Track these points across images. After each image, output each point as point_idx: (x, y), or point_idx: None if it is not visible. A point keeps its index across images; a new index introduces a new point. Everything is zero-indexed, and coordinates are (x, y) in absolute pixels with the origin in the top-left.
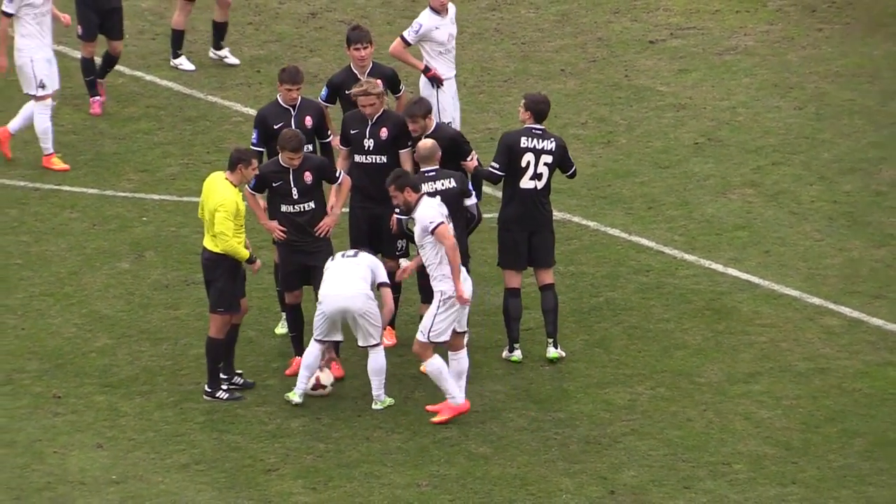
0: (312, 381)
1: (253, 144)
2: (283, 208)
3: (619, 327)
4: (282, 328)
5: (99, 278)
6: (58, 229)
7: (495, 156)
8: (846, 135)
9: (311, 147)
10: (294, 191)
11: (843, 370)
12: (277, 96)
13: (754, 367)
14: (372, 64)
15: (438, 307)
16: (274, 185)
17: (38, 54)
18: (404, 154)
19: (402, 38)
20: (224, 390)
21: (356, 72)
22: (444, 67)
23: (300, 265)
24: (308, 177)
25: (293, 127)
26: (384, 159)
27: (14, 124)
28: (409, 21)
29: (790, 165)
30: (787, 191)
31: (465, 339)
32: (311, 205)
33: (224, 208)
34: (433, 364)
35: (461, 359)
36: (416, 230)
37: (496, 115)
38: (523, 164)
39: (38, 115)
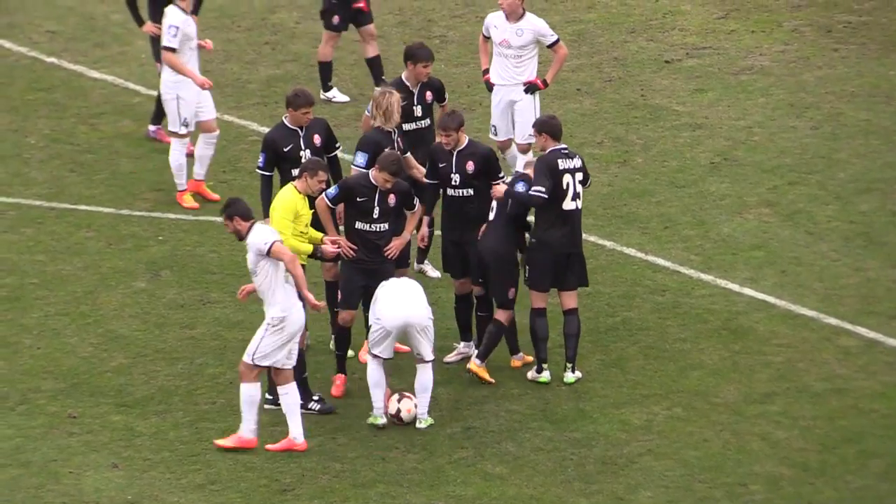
0: (393, 406)
1: (259, 168)
2: (359, 225)
3: (636, 347)
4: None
5: (115, 298)
6: (73, 248)
7: (537, 178)
8: (862, 155)
9: None
10: (376, 210)
11: (859, 391)
12: (283, 118)
13: (771, 387)
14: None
15: (266, 330)
16: (358, 200)
17: (185, 92)
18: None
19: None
20: (315, 400)
21: (408, 84)
22: (494, 73)
23: (363, 284)
24: (392, 199)
25: (302, 147)
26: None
27: (198, 170)
28: (425, 41)
29: (806, 185)
30: (803, 211)
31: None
32: (386, 226)
33: (281, 207)
34: (245, 390)
35: (287, 394)
36: (250, 257)
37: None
38: (564, 185)
39: (175, 151)
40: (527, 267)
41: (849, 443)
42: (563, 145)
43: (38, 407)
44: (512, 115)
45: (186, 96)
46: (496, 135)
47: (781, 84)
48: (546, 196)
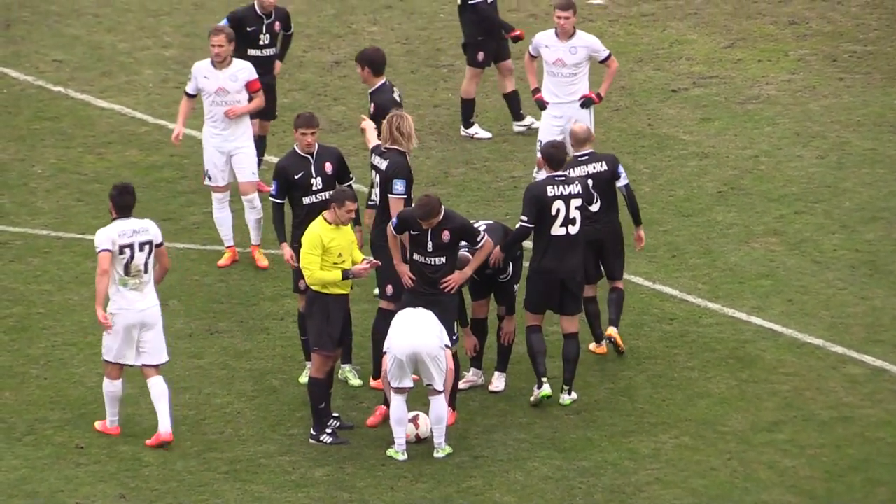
0: (411, 436)
1: (272, 196)
2: (416, 256)
3: (643, 376)
4: (305, 377)
5: None
6: (80, 278)
7: (523, 208)
8: (868, 184)
9: (325, 195)
10: (430, 244)
11: (866, 419)
12: (295, 146)
13: (778, 415)
14: None
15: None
16: (412, 232)
17: (208, 142)
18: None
19: (528, 50)
20: (328, 434)
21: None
22: (547, 91)
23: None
24: (446, 235)
25: (314, 174)
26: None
27: (253, 236)
28: (432, 70)
29: (812, 214)
30: (809, 239)
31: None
32: (443, 260)
33: (307, 242)
34: (105, 386)
35: (156, 383)
36: None
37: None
38: (553, 212)
39: (214, 206)
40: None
41: (855, 471)
42: (560, 172)
43: (45, 437)
44: (568, 131)
45: (206, 147)
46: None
47: (788, 113)
48: (529, 226)
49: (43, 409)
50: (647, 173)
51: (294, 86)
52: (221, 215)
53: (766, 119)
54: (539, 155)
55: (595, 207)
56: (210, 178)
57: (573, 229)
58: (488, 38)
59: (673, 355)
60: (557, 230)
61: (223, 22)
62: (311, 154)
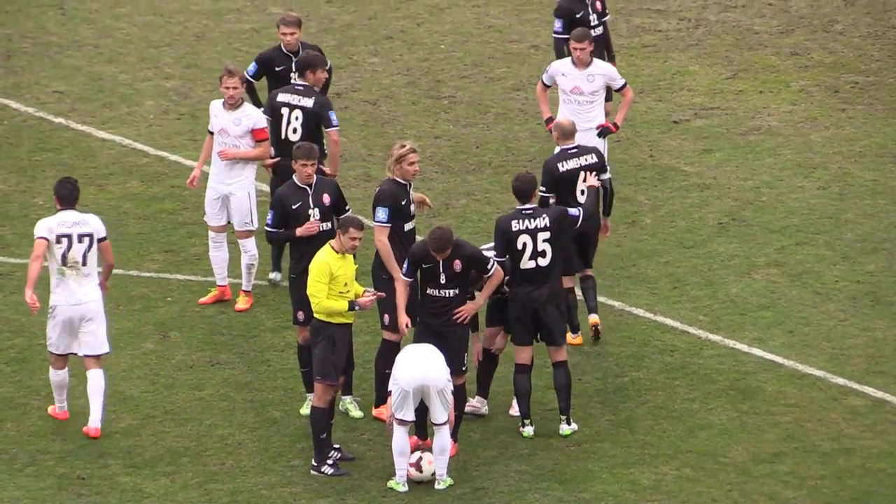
0: (414, 470)
1: (268, 226)
2: (429, 291)
3: (644, 407)
4: (306, 409)
5: (123, 359)
6: None
7: (494, 243)
8: (869, 215)
9: (329, 224)
10: (443, 276)
11: (867, 450)
12: (293, 176)
13: (779, 447)
14: None
15: (48, 318)
16: (424, 266)
17: (209, 181)
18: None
19: (541, 80)
20: (329, 465)
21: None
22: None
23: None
24: (458, 265)
25: (311, 205)
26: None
27: (244, 280)
28: (433, 101)
29: (814, 245)
30: (810, 271)
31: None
32: (456, 291)
33: (315, 270)
34: (50, 374)
35: (95, 376)
36: None
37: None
38: (519, 246)
39: (209, 244)
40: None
41: (856, 502)
42: (527, 205)
43: (47, 468)
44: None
45: (210, 185)
46: None
47: (789, 144)
48: (501, 259)
49: (44, 440)
50: (649, 205)
51: None
52: (215, 254)
53: (768, 150)
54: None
55: (583, 199)
56: (206, 214)
57: (543, 261)
58: None
59: (674, 387)
60: (526, 263)
61: (252, 66)
62: (310, 185)
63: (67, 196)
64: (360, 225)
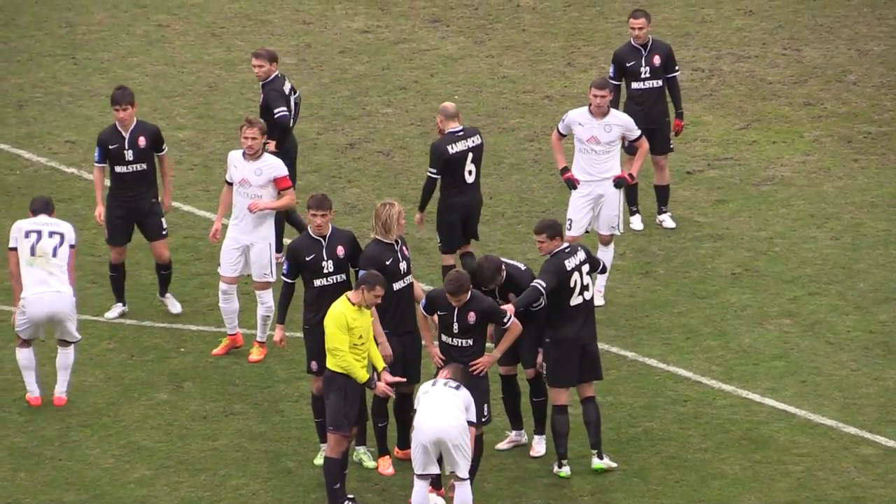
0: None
1: (283, 275)
2: (444, 338)
3: (657, 457)
4: (320, 459)
5: (137, 409)
6: (96, 360)
7: (543, 275)
8: (882, 265)
9: (344, 276)
10: (455, 326)
11: (878, 499)
12: (308, 227)
13: (791, 496)
14: None
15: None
16: (440, 313)
17: (230, 232)
18: None
19: (556, 129)
20: None
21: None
22: (579, 169)
23: None
24: (472, 317)
25: (325, 257)
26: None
27: (259, 331)
28: None
29: (826, 295)
30: (823, 321)
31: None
32: (471, 342)
33: (333, 322)
34: (18, 354)
35: (65, 354)
36: None
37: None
38: (572, 283)
39: (220, 296)
40: (544, 364)
41: None
42: (565, 244)
43: None
44: (598, 209)
45: (229, 236)
46: (570, 229)
47: (802, 194)
48: (542, 290)
49: (58, 491)
50: (662, 255)
51: (308, 167)
52: (226, 307)
53: (781, 201)
54: (570, 232)
55: (471, 179)
56: (220, 265)
57: (588, 295)
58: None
59: (687, 437)
60: (576, 299)
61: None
62: (324, 237)
63: (41, 207)
64: (385, 283)
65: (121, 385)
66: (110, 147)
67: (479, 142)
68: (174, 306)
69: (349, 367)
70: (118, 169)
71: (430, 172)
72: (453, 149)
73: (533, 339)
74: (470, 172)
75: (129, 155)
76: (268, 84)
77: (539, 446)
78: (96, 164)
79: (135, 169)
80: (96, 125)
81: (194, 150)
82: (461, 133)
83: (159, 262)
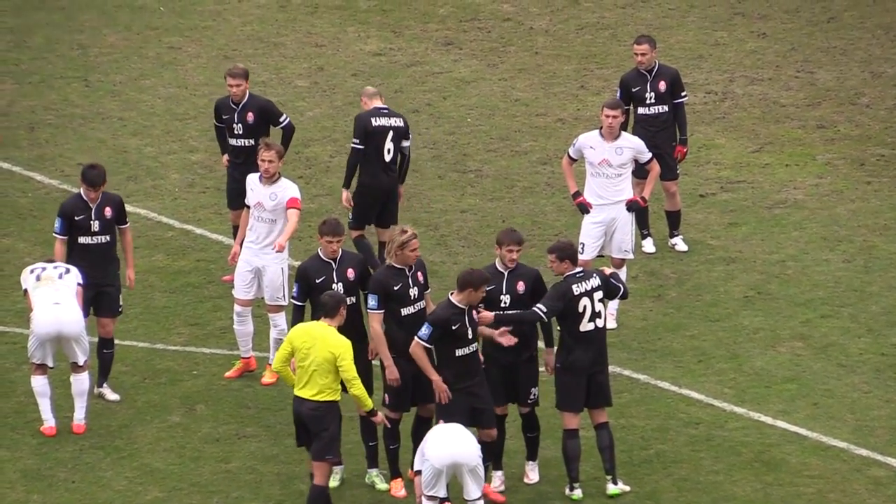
0: None
1: (293, 298)
2: (459, 353)
3: (669, 480)
4: (335, 482)
5: (150, 432)
6: (109, 383)
7: (546, 300)
8: (894, 287)
9: (354, 299)
10: (469, 331)
11: None
12: (318, 250)
13: None
14: None
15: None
16: (453, 328)
17: (244, 254)
18: None
19: (567, 153)
20: None
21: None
22: (591, 193)
23: (467, 407)
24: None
25: (335, 280)
26: None
27: (271, 354)
28: (459, 175)
29: (839, 318)
30: (835, 343)
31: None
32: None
33: (348, 355)
34: (33, 382)
35: (79, 381)
36: None
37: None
38: (580, 308)
39: (234, 317)
40: (556, 389)
41: None
42: (579, 269)
43: None
44: (610, 233)
45: (242, 258)
46: (582, 252)
47: (815, 217)
48: (543, 316)
49: None
50: (674, 278)
51: (321, 191)
52: (240, 329)
53: (793, 223)
54: (583, 256)
55: (388, 158)
56: (234, 287)
57: (599, 322)
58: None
59: (699, 459)
60: (586, 326)
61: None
62: (335, 260)
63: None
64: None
65: (134, 407)
66: (76, 218)
67: (401, 124)
68: (111, 395)
69: (364, 396)
70: (82, 240)
71: (354, 143)
72: (376, 121)
73: (527, 376)
74: (389, 151)
75: (94, 226)
76: (250, 100)
77: (532, 473)
78: (58, 236)
79: (99, 241)
80: (108, 148)
81: (207, 173)
82: (385, 111)
83: (104, 339)
